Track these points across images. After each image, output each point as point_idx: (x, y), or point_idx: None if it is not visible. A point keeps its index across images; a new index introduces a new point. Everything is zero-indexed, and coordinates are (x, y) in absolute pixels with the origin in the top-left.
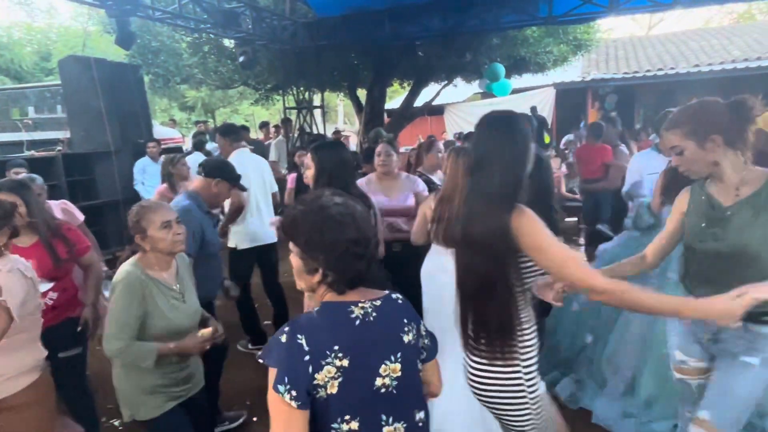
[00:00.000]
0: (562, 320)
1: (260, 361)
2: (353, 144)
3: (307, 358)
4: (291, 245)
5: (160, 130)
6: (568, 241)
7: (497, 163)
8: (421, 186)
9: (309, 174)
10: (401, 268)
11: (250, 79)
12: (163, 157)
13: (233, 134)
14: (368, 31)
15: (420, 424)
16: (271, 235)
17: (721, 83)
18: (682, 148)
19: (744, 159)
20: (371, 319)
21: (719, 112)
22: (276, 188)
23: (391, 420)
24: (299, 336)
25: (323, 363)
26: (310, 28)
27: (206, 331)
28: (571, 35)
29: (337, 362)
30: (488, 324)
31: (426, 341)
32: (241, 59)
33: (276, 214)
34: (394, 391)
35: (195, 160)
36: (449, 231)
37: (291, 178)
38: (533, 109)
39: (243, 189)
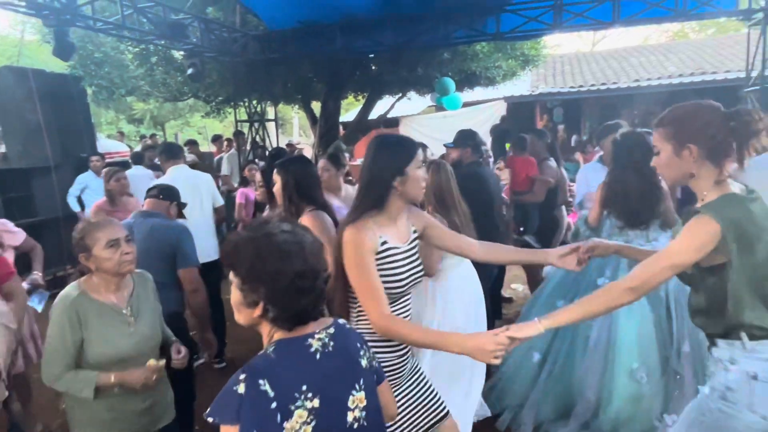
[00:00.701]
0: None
1: (209, 420)
2: (308, 157)
3: (273, 405)
4: (231, 275)
5: (105, 144)
6: None
7: (364, 178)
8: None
9: (262, 191)
10: None
11: (200, 92)
12: (104, 171)
13: (168, 152)
14: (320, 44)
15: None
16: (210, 253)
17: (659, 97)
18: (659, 150)
19: (723, 188)
20: (330, 349)
21: (709, 121)
22: (221, 202)
23: None
24: (261, 381)
25: (292, 408)
26: (261, 41)
27: (153, 363)
28: (518, 51)
29: (308, 404)
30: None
31: (375, 363)
32: (189, 71)
33: (222, 228)
34: (365, 423)
35: (135, 174)
36: None
37: (240, 193)
38: (494, 127)
39: (181, 208)
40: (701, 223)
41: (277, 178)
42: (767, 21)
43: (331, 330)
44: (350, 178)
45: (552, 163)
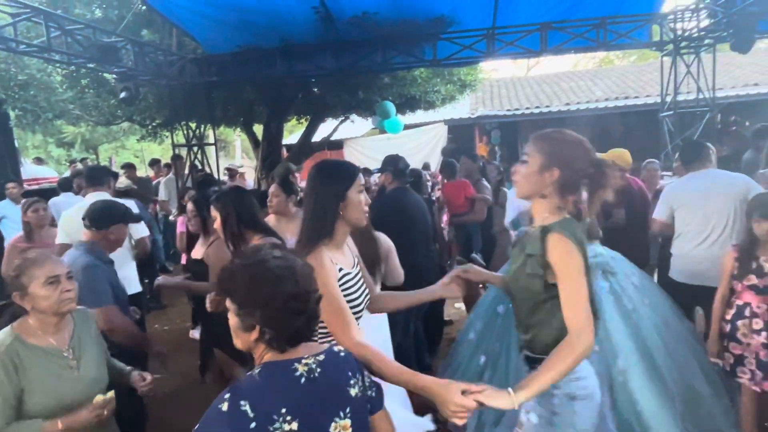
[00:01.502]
0: (459, 349)
1: None
2: (251, 180)
3: (252, 426)
4: (228, 302)
5: (31, 170)
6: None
7: (308, 207)
8: None
9: (216, 223)
10: None
11: (135, 115)
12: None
13: (89, 178)
14: (260, 67)
15: None
16: (132, 286)
17: (588, 120)
18: (528, 160)
19: (562, 213)
20: (316, 375)
21: (578, 157)
22: (142, 233)
23: None
24: (242, 402)
25: (271, 429)
26: (199, 64)
27: (99, 398)
28: (456, 76)
29: (286, 426)
30: None
31: (371, 392)
32: (122, 95)
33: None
34: None
35: (63, 202)
36: None
37: (181, 221)
38: (444, 149)
39: (138, 220)
40: (562, 244)
41: (215, 213)
42: (677, 52)
43: (321, 357)
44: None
45: (485, 183)
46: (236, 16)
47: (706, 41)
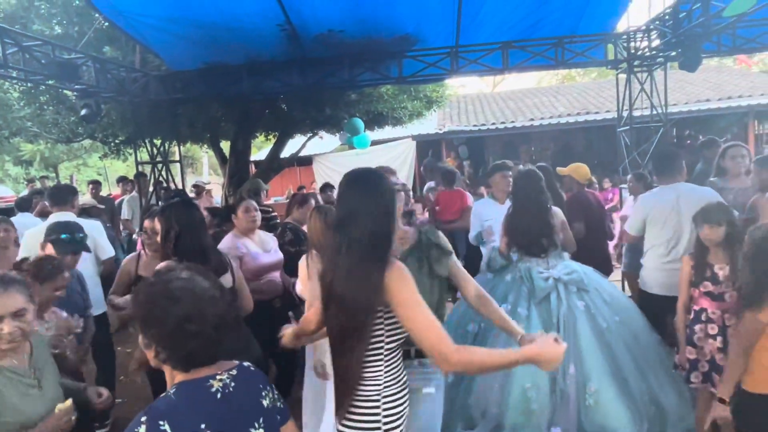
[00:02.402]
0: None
1: None
2: (218, 197)
3: None
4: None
5: None
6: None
7: (365, 218)
8: (276, 242)
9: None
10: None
11: (96, 132)
12: None
13: (52, 197)
14: (226, 84)
15: None
16: (98, 307)
17: (551, 135)
18: None
19: None
20: (231, 389)
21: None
22: (111, 253)
23: None
24: (161, 422)
25: None
26: (164, 81)
27: (61, 406)
28: (422, 93)
29: None
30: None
31: (279, 404)
32: (83, 112)
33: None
34: None
35: (21, 222)
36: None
37: (141, 241)
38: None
39: (83, 251)
40: None
41: (158, 226)
42: (631, 70)
43: (234, 372)
44: (274, 213)
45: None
46: (201, 33)
47: (658, 60)
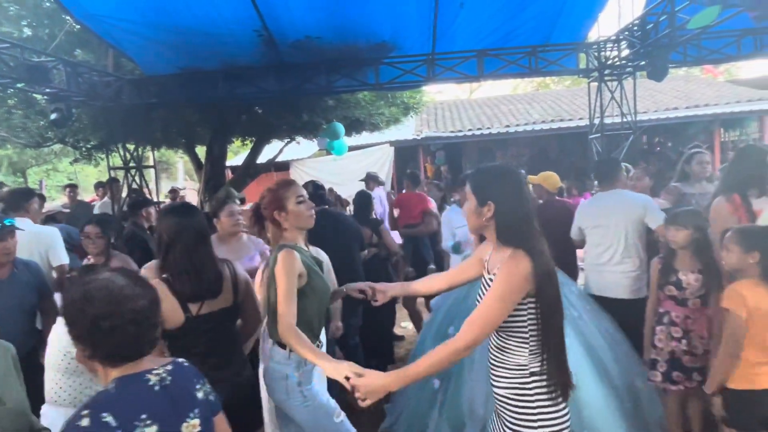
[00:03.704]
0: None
1: None
2: (193, 202)
3: None
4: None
5: None
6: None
7: (510, 208)
8: (264, 246)
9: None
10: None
11: (67, 137)
12: None
13: (8, 202)
14: (202, 90)
15: None
16: None
17: (526, 141)
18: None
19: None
20: (168, 383)
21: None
22: (61, 261)
23: None
24: (103, 414)
25: None
26: (138, 85)
27: None
28: (399, 99)
29: (147, 430)
30: None
31: (211, 397)
32: (53, 116)
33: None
34: None
35: None
36: None
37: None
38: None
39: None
40: None
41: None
42: (602, 78)
43: (169, 367)
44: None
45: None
46: (176, 38)
47: (627, 69)
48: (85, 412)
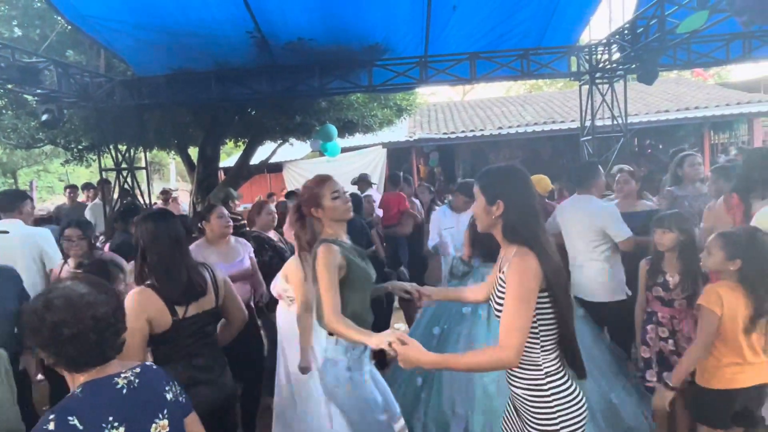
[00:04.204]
0: (398, 371)
1: None
2: (185, 204)
3: None
4: None
5: None
6: None
7: (516, 208)
8: (250, 248)
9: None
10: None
11: (58, 138)
12: None
13: (0, 203)
14: (195, 91)
15: None
16: None
17: (519, 143)
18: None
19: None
20: (135, 385)
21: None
22: (58, 261)
23: None
24: (69, 418)
25: None
26: (130, 87)
27: None
28: (392, 101)
29: (116, 431)
30: None
31: (182, 398)
32: (44, 117)
33: None
34: None
35: None
36: None
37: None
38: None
39: None
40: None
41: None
42: (593, 81)
43: (137, 370)
44: (243, 221)
45: (416, 200)
46: (169, 39)
47: (618, 72)
48: (52, 416)
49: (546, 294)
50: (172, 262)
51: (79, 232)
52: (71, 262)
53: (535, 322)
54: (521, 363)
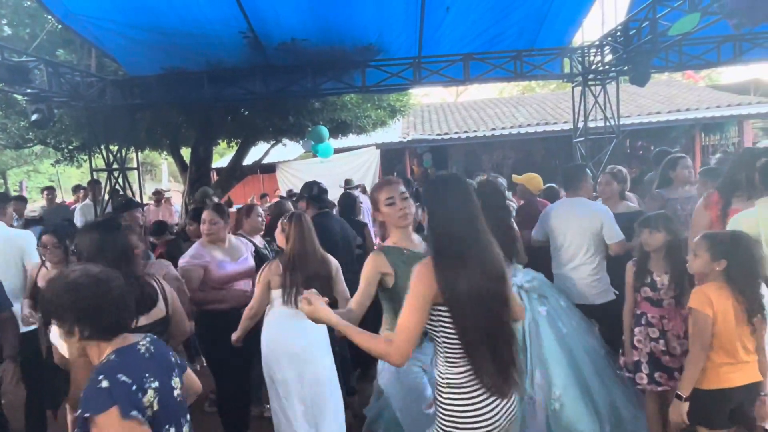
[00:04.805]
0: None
1: (86, 416)
2: (178, 204)
3: (134, 387)
4: (53, 321)
5: None
6: None
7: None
8: (251, 247)
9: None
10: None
11: (49, 138)
12: None
13: None
14: (187, 91)
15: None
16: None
17: (512, 144)
18: None
19: None
20: (152, 351)
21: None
22: (35, 262)
23: (182, 421)
24: (119, 375)
25: (146, 387)
26: (121, 86)
27: None
28: (385, 102)
29: (153, 384)
30: None
31: (179, 360)
32: (34, 117)
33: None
34: (180, 399)
35: None
36: None
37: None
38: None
39: None
40: None
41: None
42: (585, 83)
43: (148, 339)
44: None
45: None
46: (161, 39)
47: (610, 74)
48: (101, 377)
49: (444, 308)
50: (127, 270)
51: (55, 240)
52: (49, 266)
53: (437, 331)
54: (437, 364)
